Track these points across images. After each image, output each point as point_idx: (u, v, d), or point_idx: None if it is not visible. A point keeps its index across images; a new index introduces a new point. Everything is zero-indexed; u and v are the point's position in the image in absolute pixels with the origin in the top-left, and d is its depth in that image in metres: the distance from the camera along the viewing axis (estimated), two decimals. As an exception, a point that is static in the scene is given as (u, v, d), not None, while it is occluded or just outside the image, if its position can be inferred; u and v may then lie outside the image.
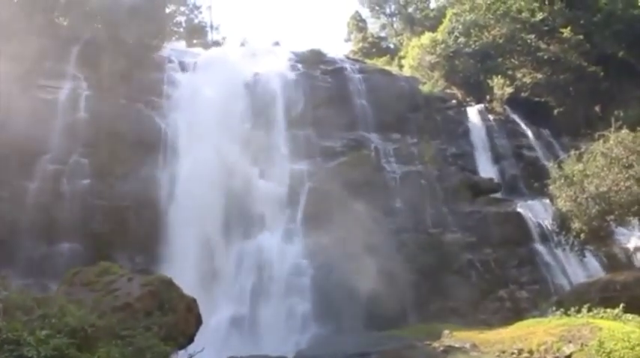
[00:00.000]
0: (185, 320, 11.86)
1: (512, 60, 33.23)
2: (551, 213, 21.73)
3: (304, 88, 27.38)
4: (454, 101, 31.69)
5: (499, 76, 31.56)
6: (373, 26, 49.67)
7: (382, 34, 49.72)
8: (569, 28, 31.38)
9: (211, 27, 41.71)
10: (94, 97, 23.21)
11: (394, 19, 49.56)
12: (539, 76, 32.10)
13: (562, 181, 19.26)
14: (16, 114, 19.24)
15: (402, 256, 21.60)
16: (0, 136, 18.91)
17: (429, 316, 19.99)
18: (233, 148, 23.33)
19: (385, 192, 24.09)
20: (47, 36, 23.60)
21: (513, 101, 31.52)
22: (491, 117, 30.74)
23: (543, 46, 32.12)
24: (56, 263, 18.44)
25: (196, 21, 40.20)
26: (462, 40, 34.42)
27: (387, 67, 35.14)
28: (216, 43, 39.00)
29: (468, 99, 32.40)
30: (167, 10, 32.57)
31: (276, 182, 23.41)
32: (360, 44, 46.33)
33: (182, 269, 18.20)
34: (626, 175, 17.75)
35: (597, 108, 30.92)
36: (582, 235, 18.80)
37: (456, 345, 14.52)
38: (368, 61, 36.60)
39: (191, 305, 12.17)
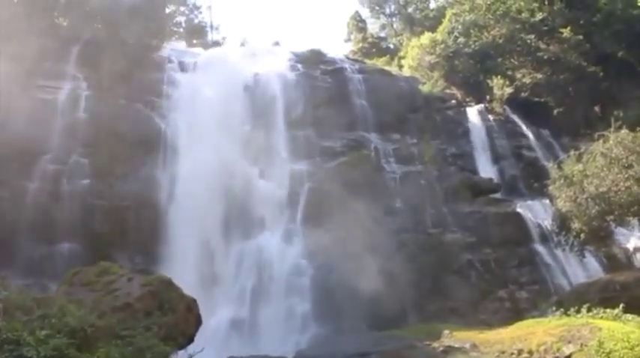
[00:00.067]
0: (185, 320, 11.87)
1: (512, 60, 33.20)
2: (551, 213, 21.72)
3: (304, 88, 27.36)
4: (454, 101, 31.69)
5: (499, 76, 31.54)
6: (373, 26, 49.70)
7: (382, 35, 49.73)
8: (568, 28, 31.32)
9: (211, 27, 41.71)
10: (94, 97, 23.22)
11: (394, 19, 49.58)
12: (539, 76, 32.08)
13: (562, 181, 19.27)
14: (16, 114, 19.24)
15: (402, 256, 21.56)
16: (0, 136, 18.89)
17: (428, 316, 19.98)
18: (233, 148, 23.33)
19: (385, 192, 24.08)
20: (47, 36, 23.67)
21: (513, 101, 31.51)
22: (490, 117, 30.73)
23: (543, 46, 32.08)
24: (56, 263, 18.46)
25: (196, 21, 40.15)
26: (461, 40, 34.43)
27: (387, 67, 35.10)
28: (216, 43, 38.89)
29: (467, 100, 32.39)
30: (167, 10, 32.55)
31: (276, 182, 23.43)
32: (360, 44, 46.30)
33: (182, 269, 18.22)
34: (626, 175, 17.75)
35: (597, 109, 30.94)
36: (582, 235, 18.82)
37: (456, 345, 14.56)
38: (368, 61, 36.54)
39: (191, 305, 12.19)
